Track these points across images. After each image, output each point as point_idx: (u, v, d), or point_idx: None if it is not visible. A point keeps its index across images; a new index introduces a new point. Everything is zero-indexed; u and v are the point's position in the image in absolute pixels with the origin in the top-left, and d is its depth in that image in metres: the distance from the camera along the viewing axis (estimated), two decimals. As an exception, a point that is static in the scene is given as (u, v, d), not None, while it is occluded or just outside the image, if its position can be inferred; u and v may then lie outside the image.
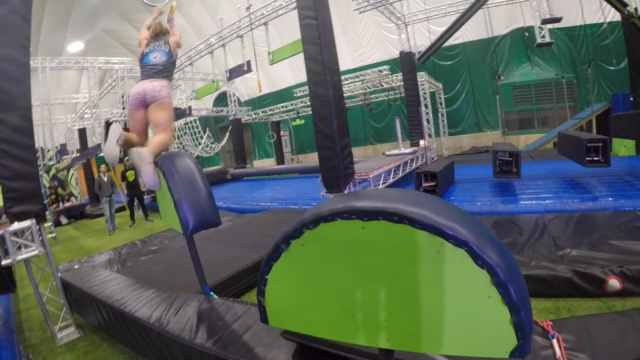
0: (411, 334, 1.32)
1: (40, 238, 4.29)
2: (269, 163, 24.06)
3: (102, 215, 12.31)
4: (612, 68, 13.71)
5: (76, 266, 6.36)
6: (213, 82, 12.92)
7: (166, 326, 3.08)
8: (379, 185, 7.87)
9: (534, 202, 6.43)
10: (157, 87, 3.69)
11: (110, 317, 3.83)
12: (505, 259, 1.16)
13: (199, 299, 3.45)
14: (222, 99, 22.44)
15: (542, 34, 9.85)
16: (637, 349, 2.04)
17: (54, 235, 10.57)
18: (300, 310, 1.61)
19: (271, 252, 1.58)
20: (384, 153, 11.42)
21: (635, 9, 9.04)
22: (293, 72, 20.66)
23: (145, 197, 12.63)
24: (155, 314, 3.31)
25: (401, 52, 12.66)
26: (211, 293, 3.65)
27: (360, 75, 15.99)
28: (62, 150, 20.35)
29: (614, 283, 3.59)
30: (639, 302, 3.39)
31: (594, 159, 6.44)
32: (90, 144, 17.45)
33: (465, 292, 1.19)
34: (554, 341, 2.10)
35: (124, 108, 14.58)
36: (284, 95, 21.16)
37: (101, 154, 13.67)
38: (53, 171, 19.27)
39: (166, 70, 3.90)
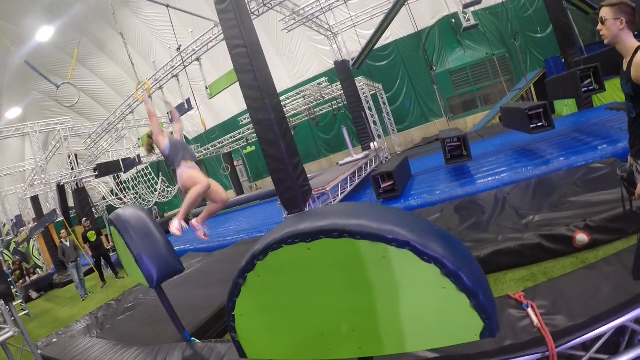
0: (381, 338, 1.34)
1: (12, 318, 4.16)
2: (229, 195, 23.74)
3: (71, 282, 11.82)
4: (539, 36, 14.39)
5: (55, 339, 6.16)
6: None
7: None
8: (337, 196, 7.91)
9: (490, 179, 6.59)
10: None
11: None
12: (452, 249, 1.18)
13: (182, 347, 3.41)
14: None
15: (467, 18, 10.23)
16: (610, 297, 2.12)
17: (26, 312, 10.17)
18: (274, 338, 1.62)
19: (231, 288, 1.59)
20: (337, 163, 11.52)
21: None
22: (235, 101, 20.59)
23: (111, 254, 12.22)
24: None
25: (335, 62, 12.88)
26: (192, 338, 3.60)
27: (301, 91, 16.14)
28: (18, 222, 19.43)
29: (582, 237, 3.72)
30: (610, 250, 3.50)
31: (538, 124, 6.68)
32: (45, 211, 16.80)
33: (420, 288, 1.21)
34: (529, 310, 2.15)
35: (72, 168, 14.11)
36: (231, 125, 21.10)
37: (59, 219, 13.18)
38: (13, 245, 18.39)
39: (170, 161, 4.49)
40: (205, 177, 4.40)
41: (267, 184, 21.63)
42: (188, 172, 4.29)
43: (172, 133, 4.70)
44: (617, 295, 2.09)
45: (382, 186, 7.42)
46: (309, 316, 1.43)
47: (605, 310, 2.02)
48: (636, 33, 2.32)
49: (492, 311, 1.19)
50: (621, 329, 1.98)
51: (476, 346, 1.95)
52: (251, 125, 17.04)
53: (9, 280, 4.37)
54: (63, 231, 10.69)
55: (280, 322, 1.52)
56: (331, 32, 13.07)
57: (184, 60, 10.24)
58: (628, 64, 2.22)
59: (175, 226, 3.92)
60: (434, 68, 14.53)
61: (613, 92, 9.31)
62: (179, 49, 9.82)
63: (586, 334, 1.96)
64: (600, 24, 2.29)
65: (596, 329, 1.95)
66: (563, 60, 11.16)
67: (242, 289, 1.52)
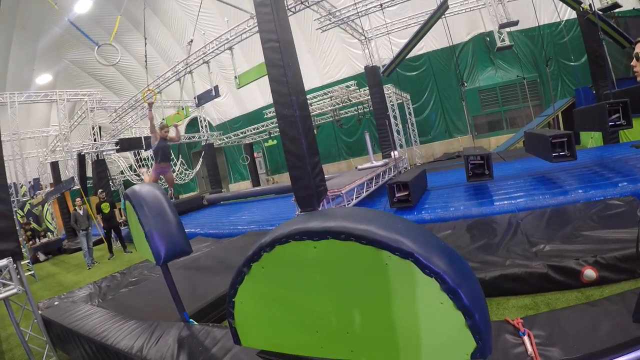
0: (373, 344, 1.36)
1: (19, 276, 4.26)
2: (245, 185, 23.94)
3: (79, 249, 12.05)
4: (572, 64, 14.19)
5: (56, 302, 6.24)
6: (182, 109, 12.89)
7: (148, 355, 3.13)
8: (352, 200, 7.92)
9: (506, 202, 6.54)
10: None
11: (93, 351, 3.84)
12: (454, 265, 1.19)
13: (179, 327, 3.48)
14: (193, 124, 22.37)
15: (501, 38, 10.16)
16: (608, 337, 2.09)
17: (32, 272, 10.39)
18: (269, 329, 1.66)
19: (235, 275, 1.63)
20: (356, 167, 11.52)
21: (590, 5, 9.41)
22: (262, 94, 20.74)
23: (122, 228, 12.43)
24: (137, 345, 3.34)
25: (366, 67, 12.87)
26: (190, 320, 3.65)
27: (329, 92, 16.16)
28: (36, 185, 19.95)
29: (590, 273, 3.67)
30: (616, 289, 3.45)
31: (560, 154, 6.59)
32: (63, 177, 17.16)
33: (417, 301, 1.23)
34: (525, 338, 2.15)
35: (95, 140, 14.38)
36: (255, 116, 21.24)
37: (75, 187, 13.45)
38: (27, 207, 18.81)
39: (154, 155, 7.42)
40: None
41: (284, 179, 21.71)
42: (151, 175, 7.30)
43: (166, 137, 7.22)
44: (615, 335, 2.07)
45: (397, 195, 7.41)
46: (306, 312, 1.46)
47: (601, 349, 2.00)
48: None
49: (486, 333, 1.20)
50: (615, 370, 1.96)
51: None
52: (275, 119, 17.19)
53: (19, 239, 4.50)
54: (78, 199, 10.91)
55: (277, 314, 1.56)
56: (365, 36, 13.06)
57: (217, 47, 10.36)
58: None
59: None
60: (465, 84, 14.42)
61: (641, 130, 9.14)
62: (190, 42, 9.97)
63: (578, 370, 1.95)
64: (635, 59, 2.25)
65: (591, 366, 1.94)
66: (594, 92, 11.02)
67: (245, 277, 1.56)
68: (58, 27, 19.98)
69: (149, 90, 6.80)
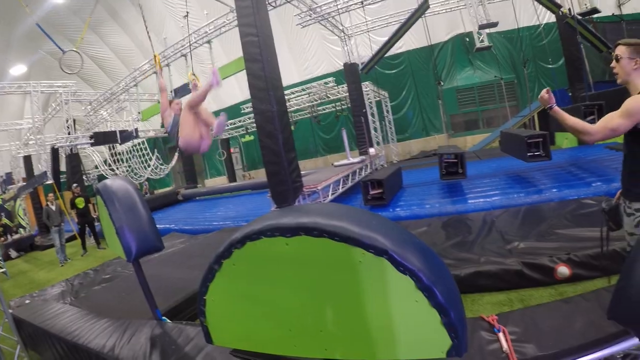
0: (348, 342, 1.34)
1: None
2: (221, 181, 23.72)
3: (52, 246, 11.74)
4: (550, 66, 14.48)
5: (28, 301, 6.13)
6: (159, 102, 12.65)
7: (120, 354, 3.05)
8: (328, 196, 7.92)
9: (481, 200, 6.64)
10: None
11: (64, 351, 3.74)
12: (429, 263, 1.17)
13: (151, 325, 3.41)
14: (169, 119, 21.94)
15: (480, 39, 10.28)
16: (582, 333, 2.12)
17: (3, 270, 10.09)
18: (242, 327, 1.62)
19: (206, 272, 1.59)
20: (332, 164, 11.53)
21: (569, 9, 9.60)
22: (240, 88, 20.56)
23: (96, 224, 12.14)
24: (109, 344, 3.26)
25: (345, 64, 12.88)
26: (163, 318, 3.58)
27: (307, 88, 16.13)
28: (8, 180, 19.39)
29: (563, 270, 3.75)
30: (589, 286, 3.51)
31: (535, 153, 6.72)
32: (36, 172, 16.69)
33: (392, 299, 1.21)
34: (500, 335, 2.16)
35: (69, 133, 14.00)
36: (232, 111, 21.00)
37: (48, 182, 13.09)
38: (-1, 202, 18.31)
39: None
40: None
41: (260, 175, 21.58)
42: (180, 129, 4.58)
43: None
44: (589, 331, 2.10)
45: (371, 193, 7.44)
46: (279, 310, 1.43)
47: (575, 345, 2.03)
48: None
49: (461, 331, 1.19)
50: (589, 367, 1.98)
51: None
52: (253, 115, 17.07)
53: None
54: (51, 194, 10.61)
55: (250, 312, 1.52)
56: (345, 33, 13.06)
57: (195, 40, 10.20)
58: None
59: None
60: (442, 83, 14.59)
61: (615, 132, 9.35)
62: (186, 15, 9.73)
63: (553, 366, 1.96)
64: (615, 61, 2.31)
65: (565, 362, 1.96)
66: (570, 94, 11.24)
67: (216, 274, 1.52)
68: (34, 17, 19.34)
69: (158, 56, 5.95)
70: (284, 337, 1.47)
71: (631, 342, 1.91)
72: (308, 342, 1.42)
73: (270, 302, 1.44)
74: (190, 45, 10.57)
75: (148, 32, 7.69)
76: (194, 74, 10.17)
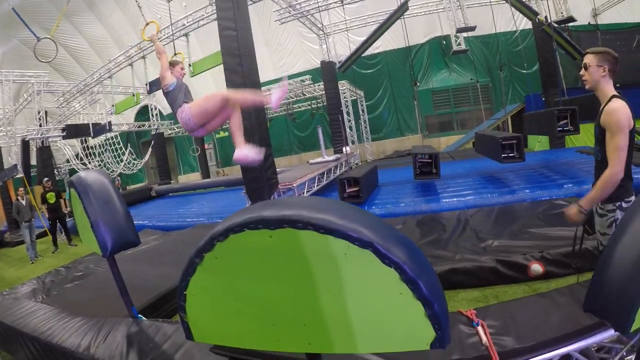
0: (332, 336, 1.33)
1: None
2: (195, 177, 23.52)
3: (22, 242, 11.35)
4: (524, 71, 14.85)
5: (-2, 299, 5.90)
6: (133, 95, 12.40)
7: (96, 354, 3.01)
8: (303, 193, 7.94)
9: (455, 199, 6.78)
10: None
11: (38, 351, 3.67)
12: (413, 256, 1.18)
13: (127, 323, 3.36)
14: (144, 113, 21.62)
15: (458, 42, 10.45)
16: (559, 325, 2.20)
17: (-28, 267, 9.72)
18: (224, 323, 1.59)
19: (186, 266, 1.54)
20: (308, 161, 11.54)
21: (545, 17, 9.85)
22: (216, 83, 20.32)
23: (68, 219, 11.80)
24: (84, 343, 3.21)
25: (322, 62, 12.93)
26: (139, 315, 3.51)
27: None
28: (-25, 173, 18.63)
29: (537, 267, 3.86)
30: (562, 283, 3.64)
31: (510, 155, 6.89)
32: (6, 165, 16.11)
33: (376, 291, 1.21)
34: (479, 328, 2.20)
35: (40, 125, 13.58)
36: (207, 107, 20.77)
37: (18, 176, 12.67)
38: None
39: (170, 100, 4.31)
40: (216, 94, 4.18)
41: (234, 172, 21.43)
42: (196, 101, 4.24)
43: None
44: (565, 324, 2.17)
45: (347, 191, 7.48)
46: (262, 305, 1.41)
47: (553, 337, 2.10)
48: (617, 85, 2.44)
49: (444, 323, 1.21)
50: (566, 357, 2.06)
51: (424, 356, 1.98)
52: (228, 110, 16.88)
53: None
54: (21, 189, 10.27)
55: (232, 307, 1.50)
56: (323, 31, 13.07)
57: (173, 32, 10.03)
58: (601, 109, 2.33)
59: (252, 152, 3.98)
60: (418, 84, 14.77)
61: (586, 136, 9.68)
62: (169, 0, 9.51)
63: (532, 357, 2.03)
64: (583, 69, 2.41)
65: (543, 354, 2.02)
66: (543, 99, 11.55)
67: (197, 268, 1.48)
68: (8, 4, 18.63)
69: (149, 23, 5.31)
70: (267, 331, 1.45)
71: (606, 334, 2.01)
72: (292, 337, 1.41)
73: (253, 296, 1.42)
74: (141, 52, 10.36)
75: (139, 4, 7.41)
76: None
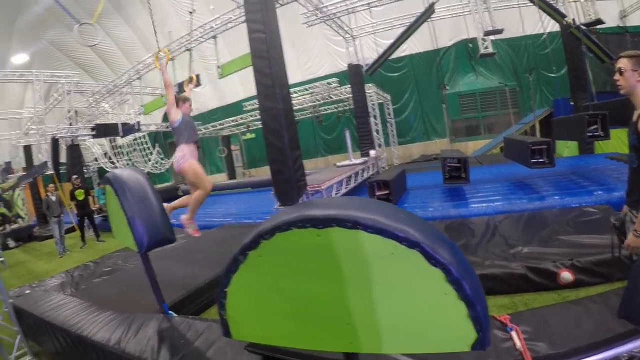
0: (374, 335, 1.34)
1: None
2: (221, 178, 23.69)
3: (51, 237, 11.71)
4: (552, 75, 14.53)
5: (27, 291, 6.11)
6: (162, 96, 12.64)
7: (127, 348, 3.01)
8: (331, 196, 7.94)
9: (483, 204, 6.69)
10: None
11: (67, 343, 3.69)
12: (457, 257, 1.20)
13: (158, 319, 3.37)
14: (171, 114, 21.94)
15: (485, 45, 10.32)
16: (591, 333, 2.17)
17: (2, 259, 10.01)
18: (264, 321, 1.60)
19: (229, 264, 1.56)
20: (335, 164, 11.54)
21: (573, 19, 9.65)
22: (243, 86, 20.55)
23: (95, 216, 12.12)
24: (114, 337, 3.22)
25: (349, 65, 12.90)
26: (170, 312, 3.55)
27: (310, 88, 16.15)
28: (7, 169, 19.32)
29: (566, 275, 3.79)
30: (592, 292, 3.54)
31: (539, 160, 6.78)
32: (36, 162, 16.63)
33: (421, 291, 1.22)
34: (513, 333, 2.19)
35: (70, 124, 13.96)
36: (234, 108, 21.02)
37: (48, 172, 13.06)
38: (-2, 191, 18.22)
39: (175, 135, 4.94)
40: (208, 179, 5.04)
41: (260, 173, 21.63)
42: (193, 165, 4.89)
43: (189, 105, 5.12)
44: (598, 331, 2.15)
45: (377, 193, 7.45)
46: (305, 303, 1.42)
47: (586, 344, 2.07)
48: None
49: (486, 324, 1.21)
50: (600, 364, 2.03)
51: (458, 359, 1.98)
52: (254, 112, 17.11)
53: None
54: (51, 185, 10.59)
55: (273, 305, 1.51)
56: (350, 34, 13.09)
57: (201, 35, 10.21)
58: (638, 115, 2.27)
59: (191, 227, 4.98)
60: (446, 87, 14.63)
61: (616, 142, 9.43)
62: (191, 12, 9.74)
63: (566, 363, 2.01)
64: (618, 74, 2.34)
65: None
66: (572, 103, 11.30)
67: (240, 266, 1.50)
68: (38, 6, 19.25)
69: (159, 52, 5.88)
70: (308, 330, 1.46)
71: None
72: (333, 336, 1.42)
73: (296, 295, 1.43)
74: (189, 45, 10.57)
75: (154, 24, 7.63)
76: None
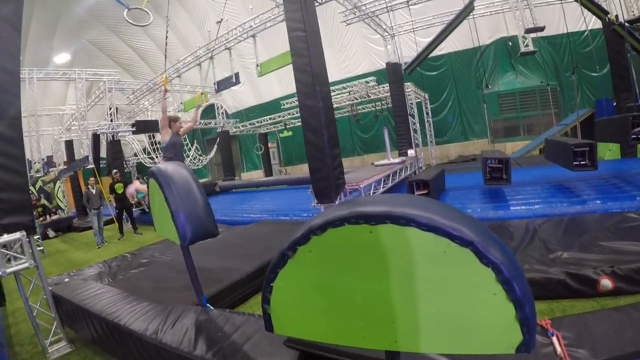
0: (421, 335, 1.34)
1: (31, 250, 4.17)
2: (257, 175, 24.00)
3: (90, 228, 12.17)
4: (594, 74, 14.03)
5: (66, 279, 6.21)
6: (202, 94, 12.92)
7: (164, 338, 3.02)
8: (369, 194, 7.89)
9: (523, 207, 6.54)
10: None
11: (104, 331, 3.75)
12: (508, 258, 1.20)
13: (196, 311, 3.41)
14: (209, 111, 22.48)
15: (525, 43, 10.05)
16: (634, 342, 2.11)
17: (41, 248, 10.40)
18: (307, 317, 1.61)
19: (277, 259, 1.57)
20: (372, 163, 11.46)
21: (616, 16, 9.28)
22: (280, 84, 20.73)
23: (134, 209, 12.52)
24: (152, 327, 3.25)
25: (388, 63, 12.80)
26: (208, 305, 3.61)
27: (347, 86, 16.10)
28: (49, 163, 20.17)
29: (606, 283, 3.66)
30: (631, 300, 3.43)
31: (581, 163, 6.56)
32: (77, 156, 17.29)
33: (471, 291, 1.23)
34: (554, 339, 2.15)
35: (111, 120, 14.46)
36: (271, 106, 21.24)
37: (89, 166, 13.57)
38: (39, 184, 19.02)
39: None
40: None
41: (296, 171, 21.84)
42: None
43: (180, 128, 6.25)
44: (640, 340, 2.07)
45: (416, 193, 7.37)
46: (350, 301, 1.42)
47: (629, 352, 2.02)
48: None
49: (532, 327, 1.21)
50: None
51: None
52: (292, 111, 17.25)
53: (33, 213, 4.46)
54: (92, 178, 10.99)
55: (319, 301, 1.52)
56: (388, 32, 13.00)
57: (240, 34, 10.38)
58: None
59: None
60: (489, 87, 14.31)
61: (661, 146, 9.04)
62: (219, 22, 9.95)
63: (608, 372, 1.95)
64: None
65: (619, 369, 1.95)
66: (614, 104, 10.88)
67: (288, 261, 1.52)
68: (79, 7, 20.04)
69: (167, 77, 6.72)
70: (353, 327, 1.46)
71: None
72: (378, 334, 1.42)
73: (344, 292, 1.43)
74: (209, 52, 10.75)
75: (166, 45, 8.05)
76: (202, 93, 10.66)
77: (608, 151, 11.07)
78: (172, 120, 6.18)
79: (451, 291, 1.25)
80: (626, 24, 9.04)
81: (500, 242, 1.26)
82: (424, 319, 1.32)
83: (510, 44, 15.54)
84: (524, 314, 1.18)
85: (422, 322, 1.32)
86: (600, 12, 9.54)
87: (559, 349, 2.07)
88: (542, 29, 8.73)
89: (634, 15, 9.82)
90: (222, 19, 10.67)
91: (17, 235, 4.07)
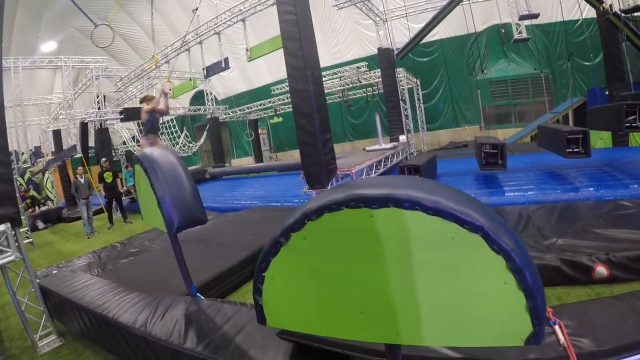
0: (424, 327, 1.26)
1: (16, 243, 4.08)
2: (248, 161, 23.94)
3: (79, 218, 11.97)
4: (587, 63, 14.03)
5: (55, 271, 6.15)
6: (190, 80, 12.69)
7: (153, 331, 2.95)
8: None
9: (517, 193, 6.54)
10: None
11: (92, 323, 3.66)
12: (519, 245, 1.11)
13: (186, 301, 3.33)
14: (198, 98, 22.25)
15: (519, 30, 9.98)
16: (637, 331, 2.07)
17: (30, 240, 10.27)
18: (302, 308, 1.51)
19: (268, 247, 1.45)
20: (364, 149, 11.42)
21: (610, 5, 9.24)
22: (269, 70, 20.52)
23: (123, 198, 12.34)
24: (141, 318, 3.17)
25: (379, 49, 12.72)
26: (198, 294, 3.53)
27: (338, 72, 15.99)
28: (37, 153, 19.86)
29: (602, 270, 3.65)
30: (626, 288, 3.41)
31: (574, 150, 6.56)
32: (65, 146, 16.99)
33: (480, 279, 1.14)
34: (556, 327, 2.08)
35: (99, 108, 14.19)
36: (261, 92, 21.14)
37: (77, 156, 13.34)
38: (28, 175, 18.71)
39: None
40: None
41: (286, 157, 21.87)
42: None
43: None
44: (643, 328, 2.03)
45: None
46: (351, 290, 1.32)
47: (632, 341, 1.97)
48: None
49: (543, 317, 1.13)
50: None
51: (502, 354, 1.91)
52: (282, 97, 17.12)
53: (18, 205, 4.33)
54: (80, 168, 10.79)
55: (316, 291, 1.42)
56: (380, 18, 12.86)
57: (229, 18, 10.16)
58: None
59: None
60: (484, 71, 14.27)
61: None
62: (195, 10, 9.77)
63: (612, 361, 1.90)
64: None
65: (623, 358, 1.91)
66: (607, 92, 10.89)
67: (281, 249, 1.41)
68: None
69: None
70: (352, 319, 1.37)
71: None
72: (379, 326, 1.33)
73: (342, 281, 1.33)
74: (197, 37, 10.54)
75: (153, 32, 8.04)
76: (170, 81, 10.61)
77: (600, 139, 11.11)
78: (149, 99, 6.99)
79: (457, 280, 1.17)
80: (621, 14, 8.99)
81: (511, 231, 1.17)
82: (428, 310, 1.23)
83: (503, 31, 15.50)
84: (535, 304, 1.10)
85: (425, 314, 1.23)
86: (594, 1, 9.50)
87: (562, 339, 2.00)
88: (536, 15, 8.68)
89: (629, 5, 9.76)
90: (197, 8, 10.51)
91: (1, 227, 3.96)
